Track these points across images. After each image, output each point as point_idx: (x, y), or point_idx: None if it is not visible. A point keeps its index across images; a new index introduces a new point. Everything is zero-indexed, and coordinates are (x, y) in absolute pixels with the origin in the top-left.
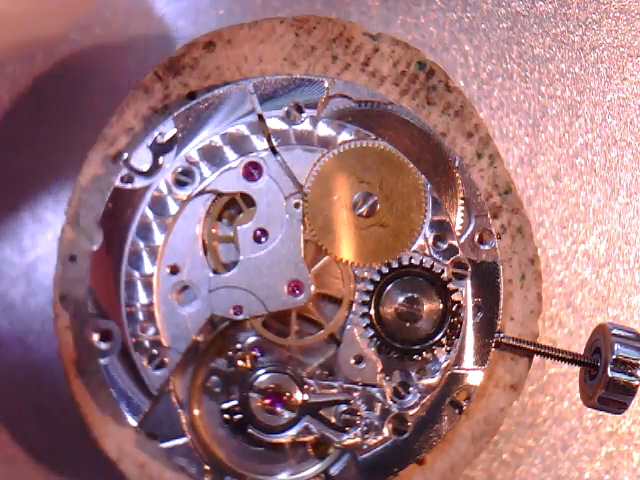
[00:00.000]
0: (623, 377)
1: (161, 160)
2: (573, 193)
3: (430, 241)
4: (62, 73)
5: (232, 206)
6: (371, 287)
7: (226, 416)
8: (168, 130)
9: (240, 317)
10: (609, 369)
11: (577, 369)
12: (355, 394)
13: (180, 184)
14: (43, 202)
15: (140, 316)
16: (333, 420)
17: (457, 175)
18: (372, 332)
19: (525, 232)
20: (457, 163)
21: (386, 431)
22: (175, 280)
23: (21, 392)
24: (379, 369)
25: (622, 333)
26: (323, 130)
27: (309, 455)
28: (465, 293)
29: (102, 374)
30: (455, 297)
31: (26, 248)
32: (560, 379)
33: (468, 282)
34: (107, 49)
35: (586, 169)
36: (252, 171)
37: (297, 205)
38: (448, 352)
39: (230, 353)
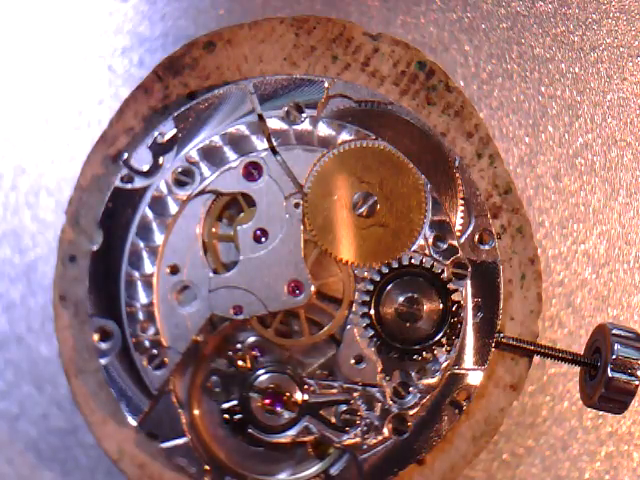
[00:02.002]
0: (623, 377)
1: (161, 160)
2: (573, 193)
3: (430, 241)
4: None
5: (232, 206)
6: (371, 287)
7: (226, 416)
8: (168, 130)
9: (240, 317)
10: (609, 369)
11: (577, 369)
12: (355, 394)
13: (180, 184)
14: (43, 202)
15: (140, 316)
16: (333, 420)
17: (457, 175)
18: (372, 332)
19: (525, 232)
20: (457, 163)
21: (386, 431)
22: (175, 280)
23: (21, 392)
24: (379, 369)
25: (622, 333)
26: (323, 130)
27: (309, 455)
28: (465, 293)
29: (102, 374)
30: (455, 297)
31: (26, 248)
32: (560, 379)
33: (468, 282)
34: None
35: (586, 169)
36: (252, 171)
37: (297, 205)
38: (448, 352)
39: (230, 353)
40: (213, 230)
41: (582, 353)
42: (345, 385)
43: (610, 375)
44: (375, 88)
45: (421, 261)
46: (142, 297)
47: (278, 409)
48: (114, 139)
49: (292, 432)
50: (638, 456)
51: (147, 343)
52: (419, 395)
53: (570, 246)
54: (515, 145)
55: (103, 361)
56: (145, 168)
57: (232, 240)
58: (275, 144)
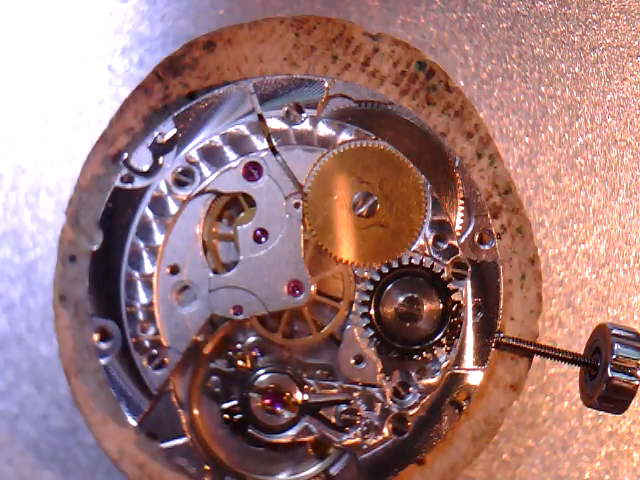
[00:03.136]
0: (623, 377)
1: (161, 160)
2: (573, 193)
3: (430, 241)
4: None
5: (232, 206)
6: (371, 287)
7: (226, 416)
8: (168, 130)
9: (240, 317)
10: (609, 369)
11: (577, 369)
12: (355, 394)
13: (180, 184)
14: (43, 202)
15: (140, 316)
16: (333, 420)
17: (457, 175)
18: (372, 332)
19: (525, 232)
20: (457, 163)
21: (386, 431)
22: (175, 280)
23: (21, 392)
24: (379, 369)
25: (622, 333)
26: (323, 130)
27: (309, 455)
28: (465, 293)
29: (102, 374)
30: (455, 297)
31: (26, 248)
32: (560, 379)
33: (468, 282)
34: None
35: (586, 169)
36: (252, 171)
37: (297, 205)
38: (448, 352)
39: (230, 353)
40: (213, 230)
41: (582, 353)
42: (345, 385)
43: (610, 375)
44: (375, 88)
45: (421, 261)
46: (142, 297)
47: (278, 409)
48: (114, 139)
49: (292, 432)
50: (638, 456)
51: (147, 343)
52: (419, 395)
53: (570, 246)
54: (515, 145)
55: (103, 361)
56: (145, 168)
57: (232, 240)
58: (275, 144)
